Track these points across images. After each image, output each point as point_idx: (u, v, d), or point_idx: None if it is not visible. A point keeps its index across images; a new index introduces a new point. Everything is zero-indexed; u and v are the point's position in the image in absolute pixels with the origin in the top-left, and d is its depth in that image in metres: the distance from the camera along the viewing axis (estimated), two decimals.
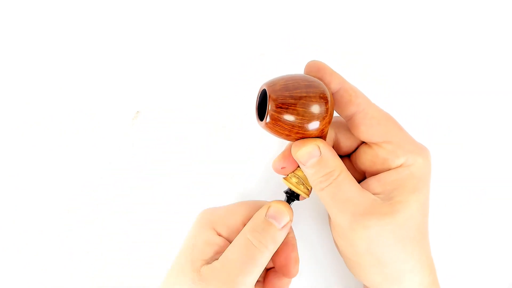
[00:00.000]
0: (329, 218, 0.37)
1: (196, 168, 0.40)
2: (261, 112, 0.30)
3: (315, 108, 0.28)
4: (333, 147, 0.33)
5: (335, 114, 0.32)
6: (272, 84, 0.28)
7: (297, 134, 0.28)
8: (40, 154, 0.41)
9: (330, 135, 0.32)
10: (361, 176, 0.33)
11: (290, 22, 0.40)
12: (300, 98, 0.27)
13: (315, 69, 0.30)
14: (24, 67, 0.41)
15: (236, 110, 0.40)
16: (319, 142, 0.29)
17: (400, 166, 0.29)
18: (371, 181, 0.30)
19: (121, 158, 0.40)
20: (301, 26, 0.40)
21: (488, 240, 0.38)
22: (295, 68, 0.35)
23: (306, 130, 0.28)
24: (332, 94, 0.30)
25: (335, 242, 0.34)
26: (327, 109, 0.28)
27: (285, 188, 0.32)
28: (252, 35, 0.40)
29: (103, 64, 0.41)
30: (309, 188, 0.31)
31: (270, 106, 0.27)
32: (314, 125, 0.28)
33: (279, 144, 0.39)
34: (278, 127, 0.28)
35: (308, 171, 0.29)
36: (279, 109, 0.27)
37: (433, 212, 0.38)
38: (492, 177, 0.39)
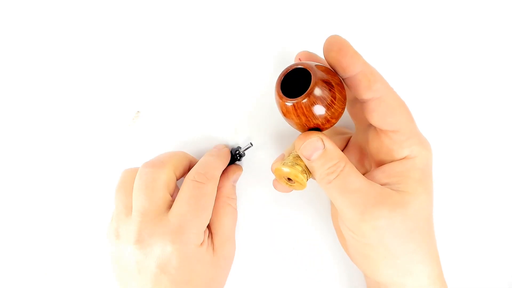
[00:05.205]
0: (332, 214, 0.37)
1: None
2: (285, 91, 0.28)
3: (341, 107, 0.27)
4: None
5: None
6: (315, 70, 0.26)
7: (313, 124, 0.28)
8: (40, 154, 0.41)
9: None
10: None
11: (290, 22, 0.40)
12: (341, 93, 0.27)
13: (336, 49, 0.26)
14: (24, 67, 0.41)
15: (236, 110, 0.40)
16: (321, 135, 0.29)
17: (405, 158, 0.29)
18: (375, 173, 0.30)
19: (121, 158, 0.40)
20: (301, 26, 0.40)
21: (488, 239, 0.38)
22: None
23: (324, 124, 0.28)
24: (348, 78, 0.28)
25: (340, 239, 0.34)
26: (342, 110, 0.28)
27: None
28: (252, 35, 0.40)
29: (103, 64, 0.41)
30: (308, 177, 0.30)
31: (316, 90, 0.26)
32: (331, 122, 0.28)
33: (280, 143, 0.39)
34: (307, 111, 0.26)
35: (314, 164, 0.29)
36: (320, 97, 0.26)
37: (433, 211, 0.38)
38: (492, 176, 0.39)
